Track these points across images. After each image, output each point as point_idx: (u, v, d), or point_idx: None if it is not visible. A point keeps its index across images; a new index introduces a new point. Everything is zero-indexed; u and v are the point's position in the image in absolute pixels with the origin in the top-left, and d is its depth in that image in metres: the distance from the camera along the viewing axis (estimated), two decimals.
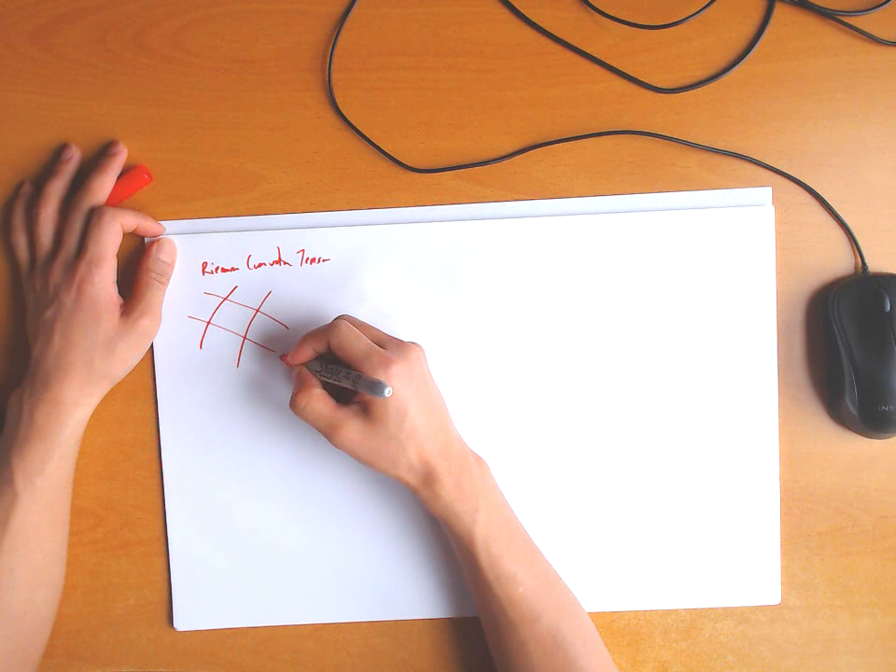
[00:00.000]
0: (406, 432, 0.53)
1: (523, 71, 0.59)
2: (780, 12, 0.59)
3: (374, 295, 0.59)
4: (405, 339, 0.56)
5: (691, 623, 0.61)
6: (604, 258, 0.59)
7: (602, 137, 0.59)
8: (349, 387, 0.53)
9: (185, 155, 0.59)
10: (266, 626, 0.61)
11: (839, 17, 0.58)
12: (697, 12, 0.58)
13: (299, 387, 0.55)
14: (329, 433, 0.53)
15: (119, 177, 0.58)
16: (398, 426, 0.53)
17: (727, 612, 0.61)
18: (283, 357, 0.58)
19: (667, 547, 0.60)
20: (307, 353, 0.56)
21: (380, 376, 0.52)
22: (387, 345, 0.54)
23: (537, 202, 0.59)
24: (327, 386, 0.55)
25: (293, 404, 0.54)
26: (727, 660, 0.61)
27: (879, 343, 0.57)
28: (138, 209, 0.58)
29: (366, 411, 0.53)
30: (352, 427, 0.53)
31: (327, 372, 0.54)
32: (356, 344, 0.53)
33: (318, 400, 0.54)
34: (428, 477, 0.54)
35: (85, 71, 0.59)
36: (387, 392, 0.51)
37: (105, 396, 0.58)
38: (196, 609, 0.60)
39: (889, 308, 0.57)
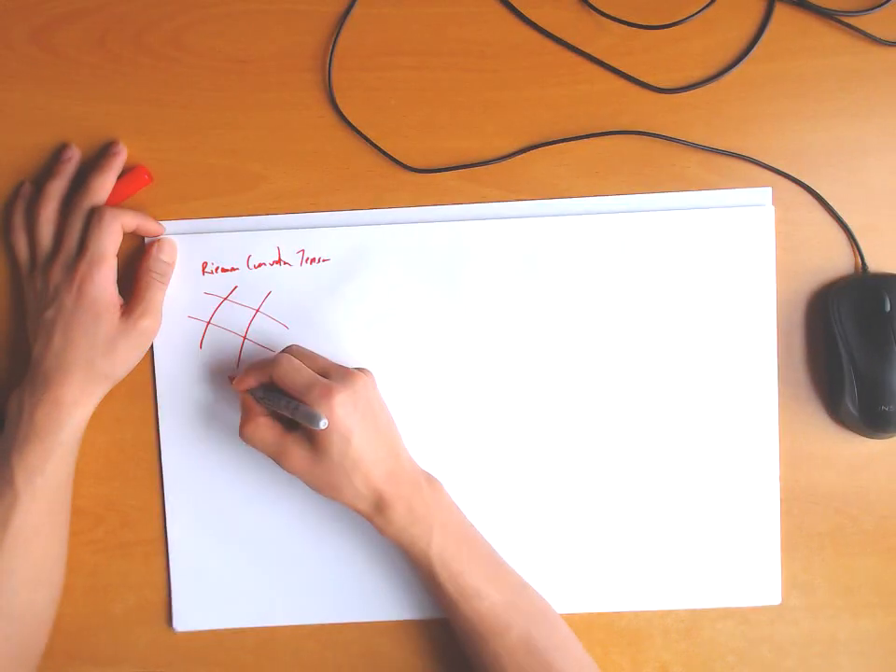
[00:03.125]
0: (350, 460, 0.53)
1: (523, 71, 0.59)
2: (780, 12, 0.59)
3: (374, 295, 0.59)
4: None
5: (691, 624, 0.61)
6: (604, 258, 0.59)
7: (602, 137, 0.59)
8: (289, 416, 0.53)
9: (185, 155, 0.59)
10: (266, 627, 0.61)
11: (839, 17, 0.58)
12: (697, 12, 0.58)
13: (245, 416, 0.55)
14: (277, 459, 0.54)
15: (119, 177, 0.58)
16: (341, 454, 0.53)
17: (727, 613, 0.60)
18: (231, 378, 0.59)
19: (667, 547, 0.60)
20: (249, 382, 0.56)
21: (321, 406, 0.52)
22: (332, 374, 0.54)
23: (537, 202, 0.59)
24: (276, 412, 0.55)
25: (241, 433, 0.55)
26: (727, 660, 0.61)
27: (879, 342, 0.57)
28: (138, 209, 0.58)
29: (311, 438, 0.53)
30: (298, 454, 0.53)
31: (268, 400, 0.55)
32: (296, 377, 0.54)
33: (264, 427, 0.54)
34: (379, 503, 0.54)
35: (85, 71, 0.59)
36: (322, 424, 0.51)
37: (105, 396, 0.58)
38: (196, 610, 0.60)
39: (889, 308, 0.57)
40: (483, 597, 0.54)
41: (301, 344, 0.57)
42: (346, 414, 0.52)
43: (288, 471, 0.54)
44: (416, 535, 0.54)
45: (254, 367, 0.56)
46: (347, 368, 0.56)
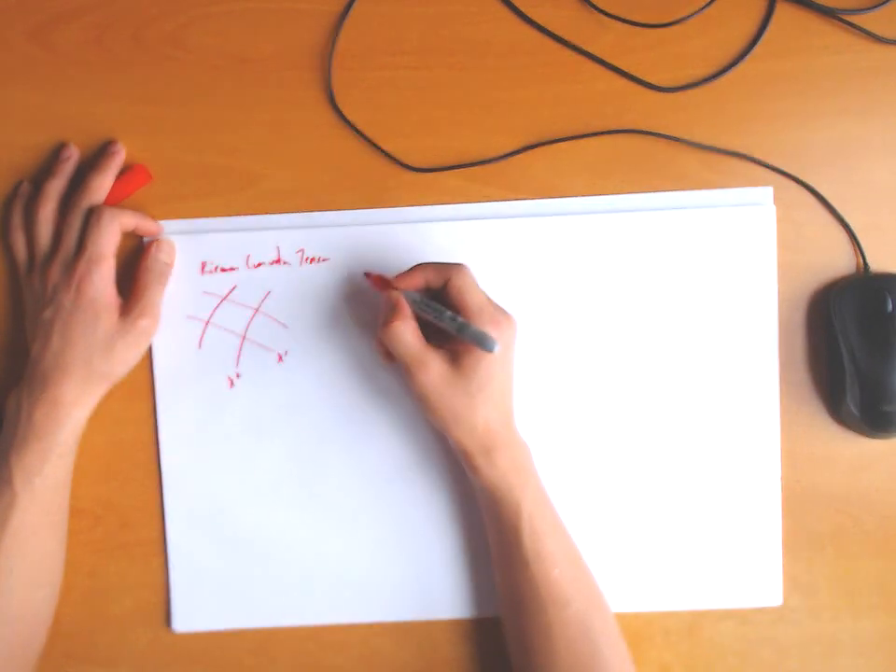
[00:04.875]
0: (484, 395, 0.53)
1: (523, 70, 0.59)
2: (781, 11, 0.58)
3: (374, 295, 0.59)
4: None
5: (692, 625, 0.60)
6: (604, 258, 0.59)
7: (602, 137, 0.59)
8: (451, 331, 0.52)
9: (184, 155, 0.59)
10: (265, 628, 0.61)
11: (840, 15, 0.58)
12: (698, 11, 0.58)
13: (397, 314, 0.53)
14: (413, 369, 0.52)
15: (117, 177, 0.58)
16: (479, 386, 0.52)
17: (728, 614, 0.60)
18: (374, 278, 0.57)
19: (669, 548, 0.60)
20: (417, 281, 0.54)
21: (491, 333, 0.51)
22: (494, 308, 0.54)
23: (537, 201, 0.59)
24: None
25: (388, 329, 0.53)
26: (728, 661, 0.60)
27: (881, 342, 0.57)
28: (137, 209, 0.58)
29: (456, 360, 0.53)
30: (436, 370, 0.52)
31: (428, 308, 0.53)
32: (475, 294, 0.53)
33: (413, 332, 0.53)
34: (488, 445, 0.54)
35: (84, 70, 0.59)
36: (496, 348, 0.50)
37: (105, 396, 0.57)
38: (195, 611, 0.60)
39: (890, 308, 0.57)
40: (555, 563, 0.54)
41: (306, 342, 0.57)
42: (501, 351, 0.52)
43: (417, 385, 0.53)
44: (515, 484, 0.54)
45: (427, 267, 0.54)
46: (502, 308, 0.54)
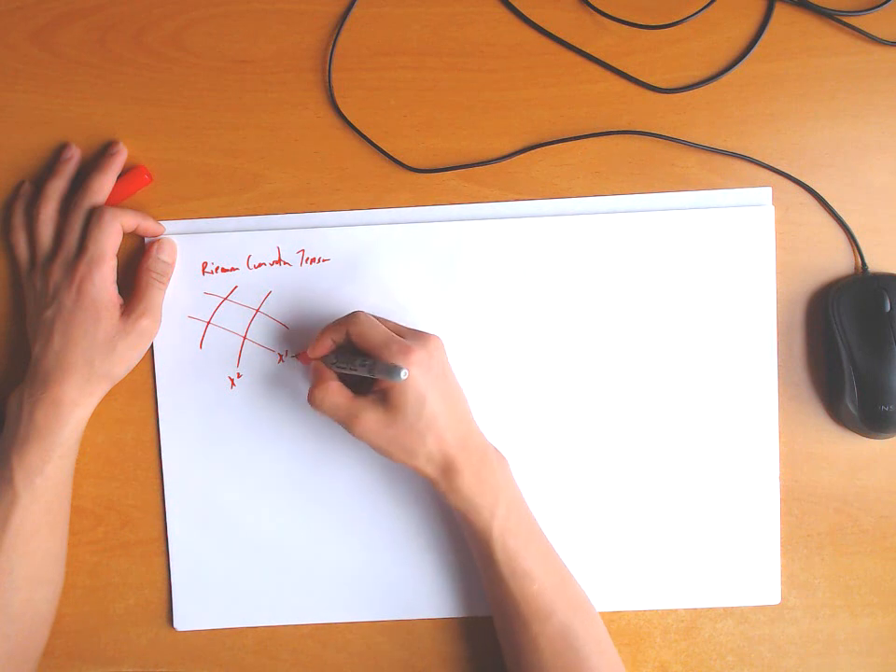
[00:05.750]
0: (425, 421, 0.52)
1: (523, 71, 0.59)
2: (780, 12, 0.59)
3: (374, 295, 0.59)
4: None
5: (691, 623, 0.61)
6: (604, 258, 0.59)
7: (602, 137, 0.59)
8: (365, 375, 0.53)
9: (185, 155, 0.59)
10: (266, 626, 0.61)
11: (839, 17, 0.58)
12: (697, 12, 0.58)
13: (315, 381, 0.55)
14: (347, 423, 0.53)
15: (119, 177, 0.58)
16: (416, 414, 0.52)
17: (727, 612, 0.61)
18: (300, 356, 0.59)
19: (667, 547, 0.60)
20: (326, 344, 0.55)
21: (399, 363, 0.52)
22: (406, 335, 0.54)
23: (537, 202, 0.59)
24: (344, 379, 0.55)
25: (310, 399, 0.54)
26: (727, 660, 0.61)
27: (879, 343, 0.57)
28: (138, 209, 0.58)
29: (384, 399, 0.53)
30: (370, 417, 0.53)
31: (342, 362, 0.54)
32: (374, 333, 0.53)
33: (334, 392, 0.54)
34: (448, 469, 0.53)
35: (85, 71, 0.59)
36: (403, 374, 0.51)
37: (105, 396, 0.58)
38: (196, 609, 0.60)
39: (889, 308, 0.57)
40: (532, 579, 0.54)
41: (307, 342, 0.58)
42: (422, 373, 0.52)
43: (359, 436, 0.53)
44: (481, 506, 0.54)
45: (326, 329, 0.55)
46: (420, 330, 0.55)
